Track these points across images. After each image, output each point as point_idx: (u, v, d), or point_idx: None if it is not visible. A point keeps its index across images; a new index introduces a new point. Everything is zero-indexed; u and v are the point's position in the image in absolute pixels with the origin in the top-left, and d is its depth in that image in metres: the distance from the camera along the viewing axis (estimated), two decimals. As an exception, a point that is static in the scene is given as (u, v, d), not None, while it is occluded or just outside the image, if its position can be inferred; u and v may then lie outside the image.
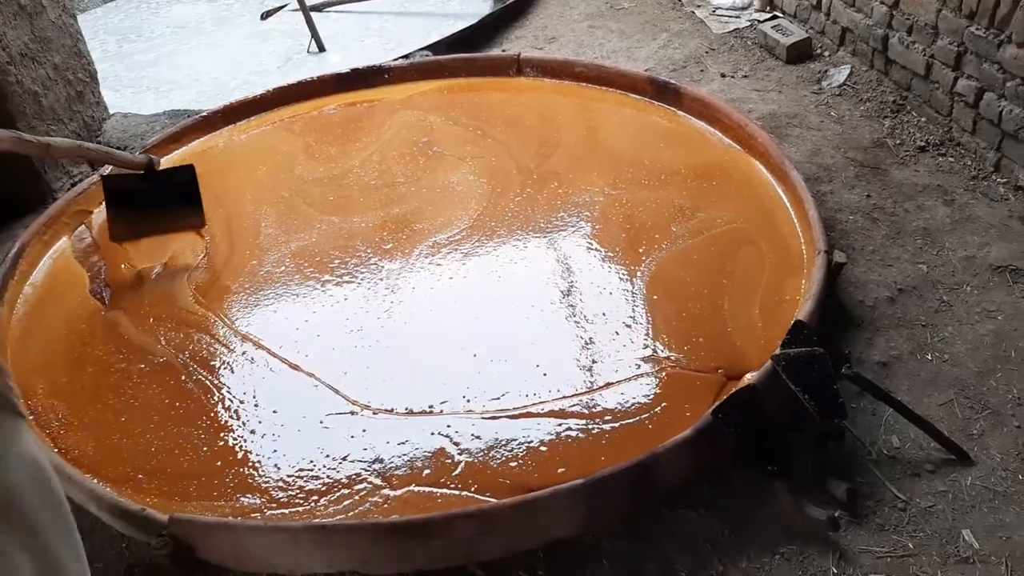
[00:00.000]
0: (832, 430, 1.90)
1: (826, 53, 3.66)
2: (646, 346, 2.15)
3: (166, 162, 2.90)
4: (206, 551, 1.74)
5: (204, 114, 3.26)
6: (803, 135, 3.10)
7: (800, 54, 3.65)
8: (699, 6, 4.31)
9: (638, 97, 3.32)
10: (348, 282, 2.52)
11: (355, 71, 3.58)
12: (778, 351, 1.97)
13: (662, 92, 3.25)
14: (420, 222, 2.75)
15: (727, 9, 4.20)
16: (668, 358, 2.11)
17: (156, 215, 2.64)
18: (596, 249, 2.53)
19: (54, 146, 2.29)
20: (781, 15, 4.04)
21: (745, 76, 3.61)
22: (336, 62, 4.42)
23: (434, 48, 3.85)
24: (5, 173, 3.01)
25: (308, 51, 4.62)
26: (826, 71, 3.52)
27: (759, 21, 4.01)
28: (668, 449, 1.81)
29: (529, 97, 3.46)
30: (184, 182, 2.68)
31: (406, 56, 3.76)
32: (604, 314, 2.26)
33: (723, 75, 3.62)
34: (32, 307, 2.51)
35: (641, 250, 2.49)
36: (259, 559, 1.74)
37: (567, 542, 1.79)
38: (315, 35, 4.60)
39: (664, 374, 2.07)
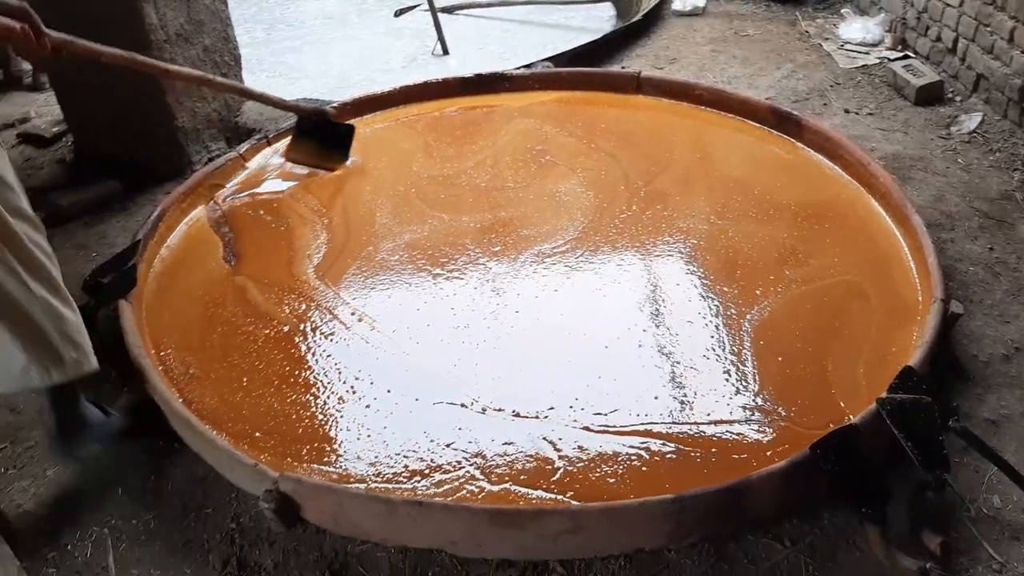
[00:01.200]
0: (933, 481, 1.86)
1: (958, 98, 3.56)
2: (751, 392, 2.13)
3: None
4: (309, 511, 1.85)
5: (335, 104, 3.43)
6: (927, 180, 3.03)
7: (930, 97, 3.56)
8: (827, 39, 4.25)
9: (757, 125, 3.31)
10: (457, 278, 2.60)
11: (478, 76, 3.69)
12: (884, 395, 1.95)
13: (783, 122, 3.23)
14: (527, 228, 2.82)
15: (856, 44, 4.13)
16: (775, 410, 2.08)
17: (319, 150, 3.19)
18: (699, 283, 2.52)
19: (173, 71, 2.72)
20: (913, 55, 3.95)
21: (870, 114, 3.55)
22: (455, 66, 4.56)
23: (556, 60, 3.93)
24: (150, 144, 3.25)
25: (432, 53, 4.78)
26: (956, 116, 3.43)
27: (889, 59, 3.93)
28: (761, 477, 1.82)
29: (645, 115, 3.49)
30: (345, 134, 3.23)
31: (528, 66, 3.85)
32: (709, 353, 2.25)
33: (847, 111, 3.57)
34: (167, 267, 2.69)
35: (748, 292, 2.45)
36: (356, 525, 1.84)
37: (649, 553, 1.82)
38: (441, 38, 4.76)
39: (768, 421, 2.05)
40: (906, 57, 3.93)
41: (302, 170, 3.19)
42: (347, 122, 3.29)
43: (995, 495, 1.92)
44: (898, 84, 3.69)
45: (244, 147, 3.21)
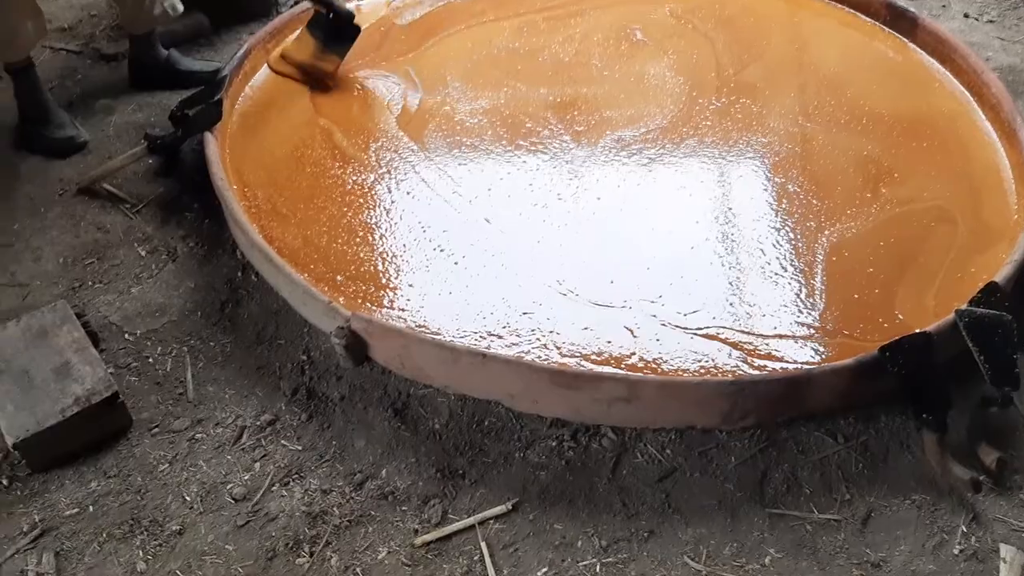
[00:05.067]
0: (999, 397, 1.83)
1: (1093, 12, 3.28)
2: (816, 311, 2.08)
3: None
4: (377, 351, 1.92)
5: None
6: (1042, 96, 2.84)
7: (1062, 8, 3.29)
8: (957, -65, 3.91)
9: (868, 20, 3.10)
10: (538, 152, 2.56)
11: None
12: (964, 306, 1.90)
13: (897, 19, 3.02)
14: (610, 109, 2.73)
15: (989, -56, 3.79)
16: (839, 330, 2.04)
17: (318, 50, 2.78)
18: (784, 192, 2.42)
19: None
20: (1050, -39, 3.61)
21: (991, 21, 3.31)
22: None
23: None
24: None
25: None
26: (1087, 32, 3.17)
27: (1022, -37, 3.61)
28: (824, 371, 1.82)
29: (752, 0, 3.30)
30: (349, 36, 2.81)
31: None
32: (786, 266, 2.20)
33: (966, 15, 3.32)
34: (252, 106, 2.70)
35: (830, 208, 2.35)
36: (420, 369, 1.91)
37: (701, 431, 1.86)
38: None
39: (830, 341, 2.01)
40: (1042, -38, 3.60)
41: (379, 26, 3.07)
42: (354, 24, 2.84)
43: (1061, 421, 1.89)
44: (1028, -9, 3.40)
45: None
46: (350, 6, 2.91)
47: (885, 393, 1.87)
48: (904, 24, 3.01)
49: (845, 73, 2.88)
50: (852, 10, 3.15)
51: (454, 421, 1.88)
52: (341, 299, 2.05)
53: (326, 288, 2.07)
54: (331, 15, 2.76)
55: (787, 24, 3.15)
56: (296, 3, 3.21)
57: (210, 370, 2.03)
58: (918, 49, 2.96)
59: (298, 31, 2.85)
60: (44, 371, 1.86)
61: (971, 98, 2.73)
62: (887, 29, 3.06)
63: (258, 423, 1.89)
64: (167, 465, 1.82)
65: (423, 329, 2.01)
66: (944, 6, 3.40)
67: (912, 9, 3.04)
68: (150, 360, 2.05)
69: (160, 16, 2.76)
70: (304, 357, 2.03)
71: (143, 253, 2.32)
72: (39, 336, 1.93)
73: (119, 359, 2.04)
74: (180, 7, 2.78)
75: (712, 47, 3.00)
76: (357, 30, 2.85)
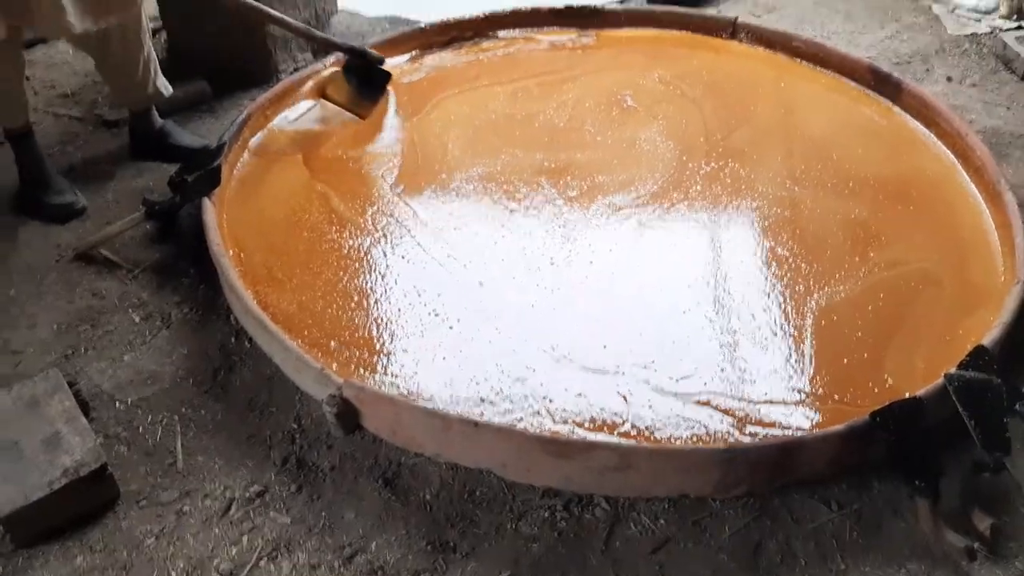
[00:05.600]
0: (991, 462, 1.83)
1: (1072, 76, 3.36)
2: (806, 376, 2.09)
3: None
4: (369, 419, 1.92)
5: (422, 26, 3.40)
6: (1026, 159, 2.90)
7: (1042, 72, 3.37)
8: (938, 1, 4.02)
9: (853, 85, 3.18)
10: (531, 217, 2.59)
11: (569, 8, 3.59)
12: (953, 370, 1.91)
13: (881, 83, 3.09)
14: (603, 174, 2.77)
15: (969, 10, 3.89)
16: (830, 395, 2.05)
17: (354, 93, 3.06)
18: (774, 256, 2.45)
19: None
20: (1029, 26, 3.72)
21: (973, 85, 3.38)
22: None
23: (651, -2, 3.82)
24: (241, 49, 3.29)
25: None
26: (1067, 96, 3.24)
27: (1002, 29, 3.70)
28: (816, 437, 1.82)
29: (737, 64, 3.38)
30: (381, 81, 3.07)
31: (622, 1, 3.76)
32: (777, 331, 2.21)
33: (949, 79, 3.40)
34: (250, 171, 2.75)
35: (819, 272, 2.37)
36: (411, 438, 1.90)
37: (695, 500, 1.85)
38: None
39: (821, 406, 2.02)
40: (1020, 28, 3.70)
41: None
42: (385, 68, 3.12)
43: (1055, 486, 1.89)
44: (1007, 56, 3.49)
45: (330, 60, 3.22)
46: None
47: (877, 459, 1.87)
48: (889, 88, 3.08)
49: (831, 137, 2.93)
50: (837, 75, 3.23)
51: (445, 491, 1.87)
52: (334, 365, 2.05)
53: (319, 354, 2.07)
54: (362, 61, 2.97)
55: (773, 89, 3.22)
56: (295, 71, 3.29)
57: (200, 439, 2.02)
58: (903, 113, 3.02)
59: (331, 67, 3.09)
60: (34, 442, 1.85)
61: (956, 161, 2.78)
62: (872, 93, 3.12)
63: (247, 494, 1.88)
64: (154, 539, 1.80)
65: (416, 396, 2.01)
66: (927, 70, 3.48)
67: (896, 74, 3.12)
68: (140, 429, 2.05)
69: (152, 95, 2.84)
70: (295, 425, 2.03)
71: (137, 319, 2.33)
72: (30, 406, 1.93)
73: (109, 428, 2.04)
74: (168, 90, 2.88)
75: (700, 112, 3.06)
76: (387, 76, 3.03)
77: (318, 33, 3.12)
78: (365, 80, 3.07)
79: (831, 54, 3.26)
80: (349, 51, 3.07)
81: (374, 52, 3.11)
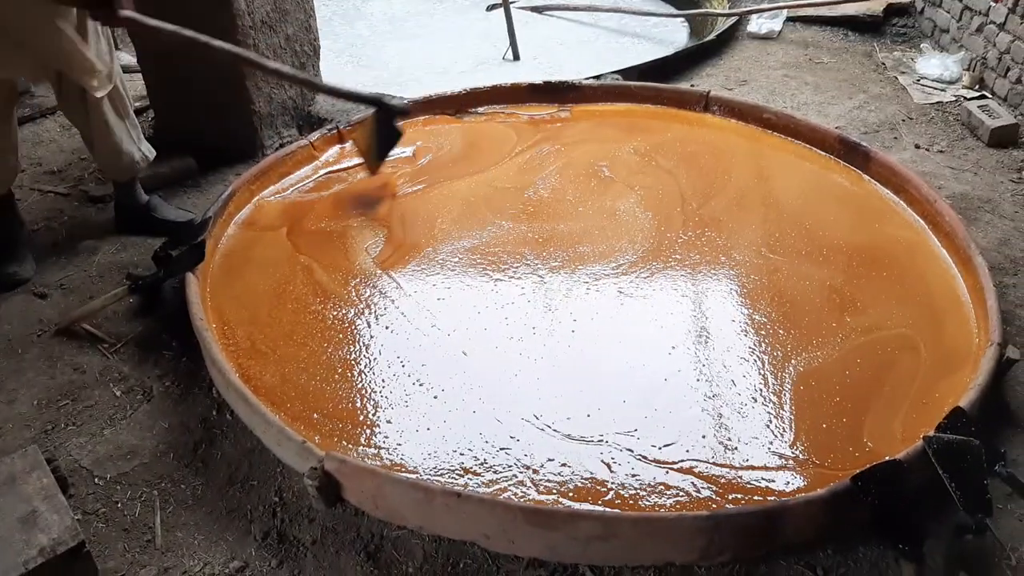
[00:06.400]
0: (973, 524, 1.83)
1: (1034, 143, 3.49)
2: (786, 442, 2.10)
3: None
4: (350, 492, 1.91)
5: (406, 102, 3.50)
6: (993, 222, 2.98)
7: (1004, 139, 3.49)
8: (903, 72, 4.20)
9: (823, 154, 3.28)
10: (514, 287, 2.63)
11: (547, 84, 3.73)
12: (931, 433, 1.93)
13: (850, 152, 3.20)
14: (584, 244, 2.83)
15: (933, 80, 4.06)
16: (809, 460, 2.05)
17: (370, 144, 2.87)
18: (752, 323, 2.48)
19: (216, 47, 2.50)
20: (990, 96, 3.87)
21: (940, 151, 3.50)
22: (522, 74, 4.57)
23: (626, 74, 3.95)
24: (227, 126, 3.37)
25: (504, 58, 4.84)
26: (1031, 161, 3.36)
27: (965, 98, 3.86)
28: (799, 503, 1.82)
29: (710, 135, 3.49)
30: (393, 140, 2.89)
31: (597, 77, 3.89)
32: (756, 397, 2.23)
33: (917, 146, 3.52)
34: (235, 245, 2.79)
35: (797, 339, 2.40)
36: (394, 510, 1.89)
37: (680, 568, 1.83)
38: (514, 43, 4.81)
39: (802, 471, 2.02)
40: (983, 97, 3.85)
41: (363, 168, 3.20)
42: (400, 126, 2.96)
43: (1038, 547, 1.88)
44: (972, 124, 3.62)
45: (315, 136, 3.30)
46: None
47: (861, 523, 1.87)
48: (858, 157, 3.18)
49: (804, 205, 3.01)
50: (807, 145, 3.34)
51: (429, 564, 1.85)
52: (317, 438, 2.05)
53: (302, 427, 2.07)
54: (384, 114, 2.77)
55: (746, 159, 3.32)
56: (281, 147, 3.36)
57: (180, 514, 2.00)
58: (873, 180, 3.12)
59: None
60: (10, 520, 1.81)
61: (926, 226, 2.86)
62: (842, 162, 3.23)
63: (227, 570, 1.85)
64: (131, 618, 1.76)
65: (399, 468, 2.00)
66: (896, 138, 3.61)
67: (864, 143, 3.23)
68: (119, 505, 2.02)
69: (137, 163, 2.88)
70: (277, 498, 2.01)
71: (118, 393, 2.33)
72: (7, 483, 1.90)
73: (87, 505, 2.01)
74: (152, 153, 2.92)
75: (676, 183, 3.14)
76: (398, 135, 2.85)
77: (342, 88, 2.93)
78: (384, 135, 2.89)
79: (801, 125, 3.38)
80: (374, 102, 2.85)
81: (398, 104, 2.86)
